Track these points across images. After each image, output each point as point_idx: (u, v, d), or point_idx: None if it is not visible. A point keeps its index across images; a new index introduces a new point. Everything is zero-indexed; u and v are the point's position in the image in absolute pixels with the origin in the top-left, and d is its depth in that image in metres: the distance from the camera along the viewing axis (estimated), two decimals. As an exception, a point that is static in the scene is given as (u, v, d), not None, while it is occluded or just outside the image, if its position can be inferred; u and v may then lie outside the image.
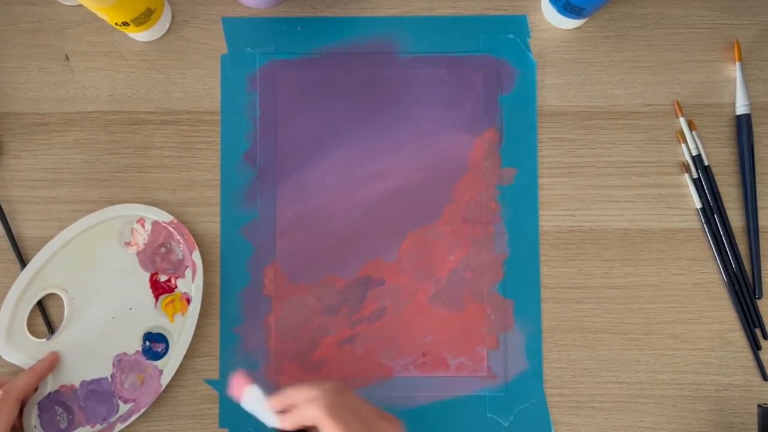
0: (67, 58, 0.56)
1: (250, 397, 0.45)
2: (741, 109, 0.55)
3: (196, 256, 0.53)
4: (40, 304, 0.53)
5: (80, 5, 0.56)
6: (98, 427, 0.52)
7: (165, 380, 0.52)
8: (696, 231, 0.55)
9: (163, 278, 0.53)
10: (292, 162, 0.55)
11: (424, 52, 0.56)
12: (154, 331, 0.53)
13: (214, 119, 0.56)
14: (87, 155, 0.55)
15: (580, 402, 0.54)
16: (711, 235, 0.55)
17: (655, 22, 0.57)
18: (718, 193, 0.55)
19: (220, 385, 0.54)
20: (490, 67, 0.56)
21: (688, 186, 0.55)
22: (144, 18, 0.52)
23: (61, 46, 0.56)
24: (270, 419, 0.44)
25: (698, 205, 0.55)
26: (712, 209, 0.55)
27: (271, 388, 0.54)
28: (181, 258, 0.54)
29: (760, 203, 0.55)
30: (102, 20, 0.54)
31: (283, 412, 0.43)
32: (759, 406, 0.53)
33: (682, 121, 0.55)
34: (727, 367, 0.55)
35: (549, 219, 0.55)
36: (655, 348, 0.55)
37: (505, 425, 0.54)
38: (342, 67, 0.56)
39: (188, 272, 0.53)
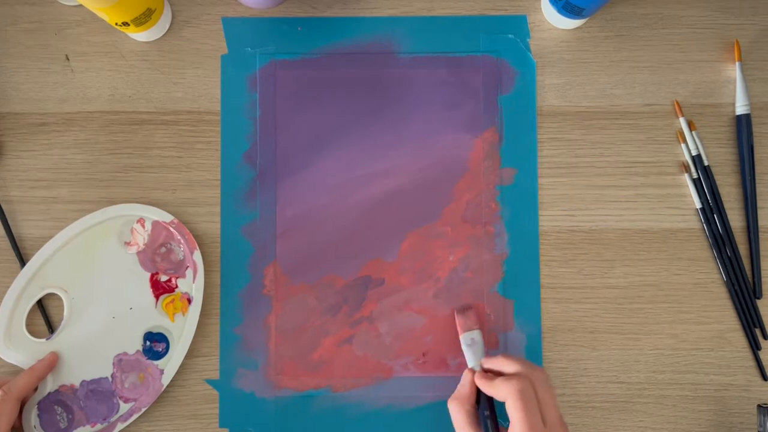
0: (67, 58, 0.56)
1: (469, 338, 0.51)
2: (741, 109, 0.55)
3: (197, 256, 0.53)
4: (40, 304, 0.53)
5: (80, 5, 0.56)
6: (99, 426, 0.52)
7: (166, 380, 0.52)
8: (696, 231, 0.55)
9: (163, 278, 0.53)
10: (292, 162, 0.55)
11: (424, 52, 0.56)
12: (155, 331, 0.53)
13: (214, 119, 0.56)
14: (87, 155, 0.55)
15: (580, 402, 0.54)
16: (711, 235, 0.55)
17: (655, 22, 0.57)
18: (718, 193, 0.55)
19: (220, 384, 0.54)
20: (490, 67, 0.56)
21: (688, 186, 0.56)
22: (144, 18, 0.52)
23: (61, 46, 0.56)
24: (472, 362, 0.50)
25: (698, 205, 0.55)
26: (712, 209, 0.55)
27: (271, 387, 0.54)
28: (182, 258, 0.54)
29: (760, 203, 0.55)
30: (102, 20, 0.54)
31: (485, 373, 0.49)
32: (759, 406, 0.53)
33: (682, 121, 0.55)
34: (727, 367, 0.55)
35: (549, 219, 0.55)
36: (655, 348, 0.55)
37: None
38: (342, 67, 0.56)
39: (189, 272, 0.54)
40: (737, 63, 0.56)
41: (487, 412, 0.48)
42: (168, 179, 0.55)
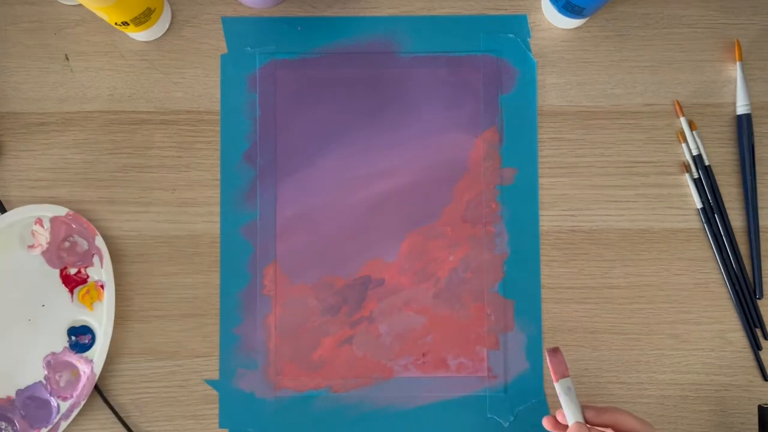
0: (67, 58, 0.56)
1: (565, 386, 0.46)
2: (741, 108, 0.55)
3: (99, 242, 0.53)
4: None
5: (80, 5, 0.56)
6: (44, 430, 0.52)
7: (98, 369, 0.52)
8: (696, 231, 0.55)
9: (72, 271, 0.53)
10: (292, 162, 0.55)
11: (424, 52, 0.56)
12: (77, 325, 0.53)
13: (214, 119, 0.56)
14: (87, 155, 0.55)
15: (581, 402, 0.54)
16: (711, 235, 0.55)
17: (656, 22, 0.57)
18: (719, 193, 0.55)
19: (220, 385, 0.54)
20: (490, 67, 0.56)
21: (688, 186, 0.55)
22: (144, 18, 0.52)
23: (61, 46, 0.56)
24: (571, 414, 0.45)
25: (699, 205, 0.55)
26: (713, 209, 0.55)
27: (271, 387, 0.54)
28: (87, 248, 0.53)
29: (760, 203, 0.55)
30: (102, 20, 0.54)
31: (593, 422, 0.45)
32: (759, 406, 0.53)
33: (682, 120, 0.55)
34: (728, 367, 0.55)
35: (549, 219, 0.55)
36: (655, 348, 0.55)
37: (505, 425, 0.54)
38: (342, 67, 0.56)
39: (96, 260, 0.53)
40: (738, 63, 0.56)
41: None
42: (168, 179, 0.55)
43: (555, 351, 0.47)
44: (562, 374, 0.46)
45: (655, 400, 0.54)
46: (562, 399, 0.46)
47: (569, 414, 0.45)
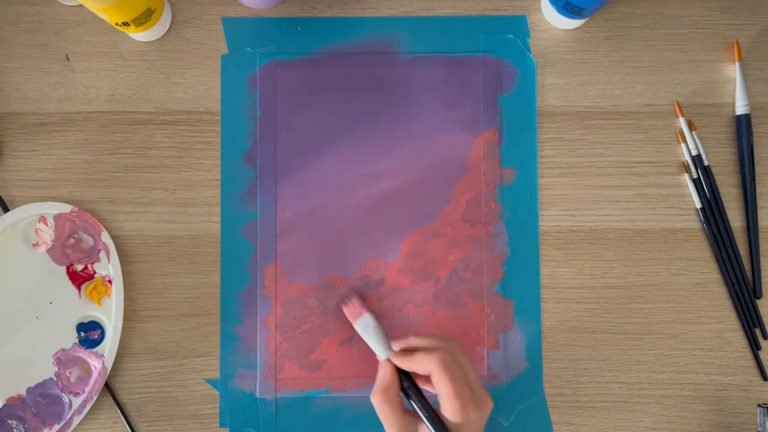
0: (67, 58, 0.56)
1: (362, 324, 0.50)
2: (741, 109, 0.55)
3: (105, 237, 0.53)
4: None
5: (80, 5, 0.56)
6: (57, 426, 0.52)
7: (109, 363, 0.52)
8: (696, 231, 0.55)
9: (79, 267, 0.53)
10: (292, 162, 0.55)
11: (424, 52, 0.56)
12: (86, 321, 0.53)
13: (214, 119, 0.56)
14: (87, 155, 0.55)
15: (580, 402, 0.54)
16: (711, 235, 0.55)
17: (655, 22, 0.57)
18: (718, 193, 0.55)
19: (220, 385, 0.54)
20: (490, 67, 0.56)
21: (688, 186, 0.56)
22: (144, 18, 0.52)
23: (61, 46, 0.56)
24: (379, 350, 0.49)
25: (698, 205, 0.55)
26: (712, 209, 0.55)
27: (271, 387, 0.54)
28: (92, 244, 0.54)
29: (759, 203, 0.55)
30: (102, 20, 0.54)
31: (402, 352, 0.48)
32: (759, 406, 0.53)
33: (681, 121, 0.55)
34: (727, 367, 0.55)
35: (549, 219, 0.55)
36: (655, 348, 0.55)
37: (505, 425, 0.54)
38: (342, 67, 0.56)
39: (102, 255, 0.53)
40: (737, 63, 0.56)
41: (417, 397, 0.46)
42: (168, 179, 0.55)
43: (346, 297, 0.52)
44: (358, 314, 0.50)
45: (654, 400, 0.54)
46: (366, 339, 0.50)
47: (375, 349, 0.49)
